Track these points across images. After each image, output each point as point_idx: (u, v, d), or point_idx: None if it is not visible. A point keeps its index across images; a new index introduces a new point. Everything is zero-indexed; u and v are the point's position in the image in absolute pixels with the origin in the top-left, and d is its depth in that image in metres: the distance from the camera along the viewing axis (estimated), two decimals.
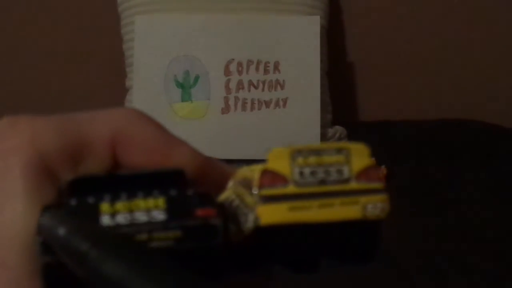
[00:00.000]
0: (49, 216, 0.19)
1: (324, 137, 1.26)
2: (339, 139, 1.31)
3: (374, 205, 0.21)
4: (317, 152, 0.21)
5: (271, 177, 0.20)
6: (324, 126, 1.26)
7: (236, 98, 1.24)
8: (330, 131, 1.30)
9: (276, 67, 1.24)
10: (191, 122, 1.23)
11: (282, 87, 1.24)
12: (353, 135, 1.32)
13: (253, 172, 0.21)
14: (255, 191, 0.20)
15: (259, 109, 1.24)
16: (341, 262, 0.22)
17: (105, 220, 0.19)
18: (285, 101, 1.24)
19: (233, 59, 1.24)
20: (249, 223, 0.20)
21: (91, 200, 0.20)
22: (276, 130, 1.23)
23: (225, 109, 1.24)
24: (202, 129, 1.23)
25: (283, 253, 0.22)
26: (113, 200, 0.20)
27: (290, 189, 0.20)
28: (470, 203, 1.09)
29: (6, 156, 0.20)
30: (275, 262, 0.23)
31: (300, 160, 0.20)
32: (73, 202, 0.19)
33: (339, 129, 1.32)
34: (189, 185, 0.20)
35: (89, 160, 0.21)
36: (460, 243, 0.98)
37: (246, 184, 0.21)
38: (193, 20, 1.25)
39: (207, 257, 0.20)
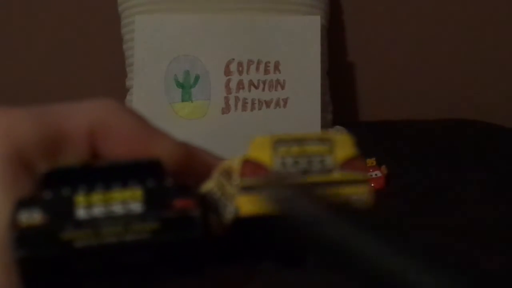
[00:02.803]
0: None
1: None
2: None
3: (358, 196, 0.20)
4: (299, 141, 0.20)
5: (252, 167, 0.19)
6: (324, 126, 1.26)
7: (237, 98, 1.24)
8: (331, 131, 1.30)
9: (277, 67, 1.24)
10: (191, 122, 1.23)
11: (283, 87, 1.24)
12: (353, 135, 1.32)
13: (235, 162, 0.20)
14: (235, 181, 0.19)
15: (259, 109, 1.24)
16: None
17: (81, 213, 0.18)
18: (285, 101, 1.24)
19: (233, 59, 1.24)
20: (229, 214, 0.20)
21: (65, 192, 0.19)
22: (277, 130, 1.23)
23: (226, 109, 1.24)
24: (202, 129, 1.22)
25: (266, 246, 0.21)
26: (89, 192, 0.19)
27: None
28: (470, 203, 1.09)
29: None
30: (259, 256, 0.22)
31: (282, 149, 0.20)
32: (47, 194, 0.19)
33: (339, 129, 1.31)
34: (167, 176, 0.20)
35: (67, 152, 0.21)
36: (460, 243, 0.98)
37: (228, 174, 0.20)
38: (193, 20, 1.25)
39: (186, 250, 0.19)
